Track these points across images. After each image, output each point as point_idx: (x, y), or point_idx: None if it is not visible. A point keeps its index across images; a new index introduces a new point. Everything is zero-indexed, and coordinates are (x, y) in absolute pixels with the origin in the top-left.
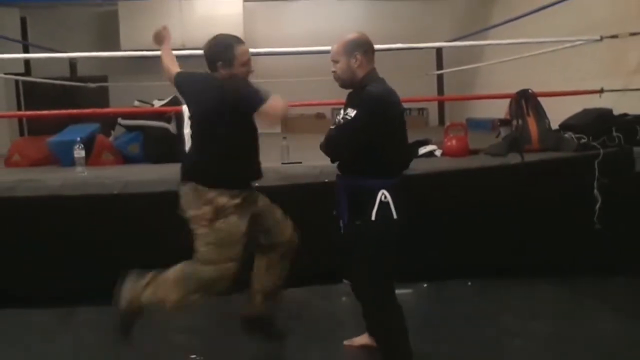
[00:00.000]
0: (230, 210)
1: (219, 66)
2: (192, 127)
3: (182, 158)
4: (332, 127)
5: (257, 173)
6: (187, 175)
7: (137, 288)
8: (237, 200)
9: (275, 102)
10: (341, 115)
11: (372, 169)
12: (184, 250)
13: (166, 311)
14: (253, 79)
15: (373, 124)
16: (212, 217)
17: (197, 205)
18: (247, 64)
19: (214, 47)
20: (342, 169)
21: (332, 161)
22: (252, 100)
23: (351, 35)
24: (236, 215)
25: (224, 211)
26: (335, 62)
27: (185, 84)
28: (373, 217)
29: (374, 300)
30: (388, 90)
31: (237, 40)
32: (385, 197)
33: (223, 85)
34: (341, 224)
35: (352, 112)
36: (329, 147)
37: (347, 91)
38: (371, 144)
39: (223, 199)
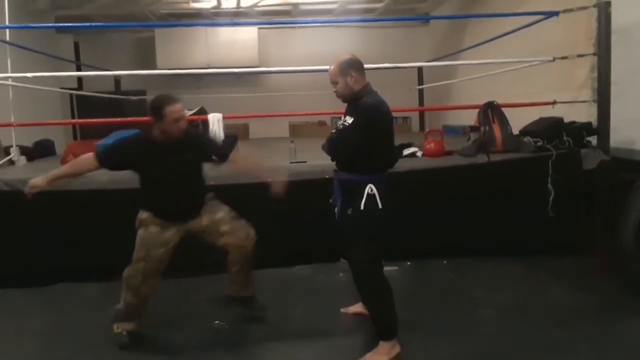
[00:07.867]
0: (149, 222)
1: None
2: None
3: None
4: (333, 131)
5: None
6: None
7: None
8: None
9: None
10: (340, 122)
11: (363, 167)
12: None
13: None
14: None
15: (366, 129)
16: (137, 226)
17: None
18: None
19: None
20: (338, 166)
21: (332, 160)
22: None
23: (343, 57)
24: (157, 227)
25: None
26: (335, 83)
27: None
28: (362, 207)
29: (365, 275)
30: (380, 102)
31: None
32: (372, 190)
33: None
34: (336, 211)
35: (349, 120)
36: (330, 148)
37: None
38: (363, 146)
39: (143, 215)
